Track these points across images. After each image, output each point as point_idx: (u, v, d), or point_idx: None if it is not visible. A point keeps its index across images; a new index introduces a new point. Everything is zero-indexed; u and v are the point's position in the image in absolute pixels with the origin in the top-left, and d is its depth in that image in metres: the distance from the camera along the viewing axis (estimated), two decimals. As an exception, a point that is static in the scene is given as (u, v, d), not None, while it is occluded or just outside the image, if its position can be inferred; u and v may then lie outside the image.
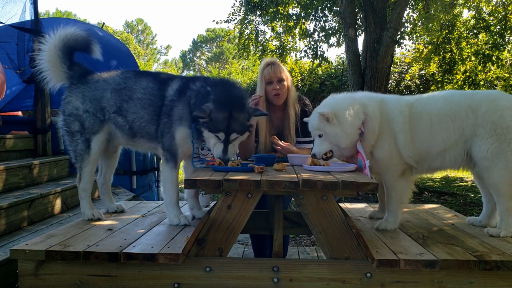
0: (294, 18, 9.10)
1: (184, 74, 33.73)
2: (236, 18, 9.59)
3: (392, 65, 8.01)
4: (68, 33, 2.60)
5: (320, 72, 10.90)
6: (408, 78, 10.35)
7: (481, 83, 8.56)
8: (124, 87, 2.55)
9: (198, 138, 2.40)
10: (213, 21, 19.05)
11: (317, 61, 9.06)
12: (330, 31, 8.98)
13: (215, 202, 2.51)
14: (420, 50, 9.36)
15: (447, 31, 7.82)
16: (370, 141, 2.44)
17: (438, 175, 9.03)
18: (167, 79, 2.57)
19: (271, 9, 8.95)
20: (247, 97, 2.52)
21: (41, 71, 2.65)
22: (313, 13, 8.93)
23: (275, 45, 9.66)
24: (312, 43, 9.11)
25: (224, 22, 9.72)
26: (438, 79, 9.03)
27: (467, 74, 8.43)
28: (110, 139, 2.65)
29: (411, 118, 2.42)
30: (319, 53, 9.01)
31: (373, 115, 2.41)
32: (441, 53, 8.08)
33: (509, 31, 7.77)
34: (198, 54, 38.84)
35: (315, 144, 2.47)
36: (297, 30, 9.31)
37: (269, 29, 9.51)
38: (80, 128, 2.56)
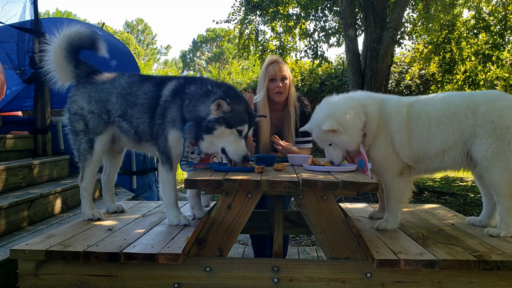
0: (294, 18, 9.11)
1: (184, 74, 33.74)
2: (236, 18, 9.60)
3: (392, 65, 8.02)
4: (72, 32, 2.60)
5: (320, 72, 10.91)
6: (408, 78, 10.35)
7: (481, 83, 8.57)
8: (129, 93, 2.54)
9: (193, 140, 2.35)
10: (213, 21, 19.05)
11: (317, 61, 9.06)
12: (330, 31, 8.99)
13: (215, 202, 2.51)
14: (420, 50, 9.37)
15: (447, 31, 7.82)
16: (368, 141, 2.46)
17: (438, 175, 9.03)
18: (164, 80, 2.56)
19: (271, 9, 8.96)
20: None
21: (48, 71, 2.65)
22: (313, 13, 8.94)
23: (275, 45, 9.67)
24: (312, 43, 9.12)
25: (224, 22, 9.74)
26: (438, 79, 9.03)
27: (467, 74, 8.43)
28: (114, 140, 2.65)
29: (409, 119, 2.42)
30: (319, 53, 9.02)
31: (372, 115, 2.42)
32: (441, 53, 8.08)
33: (509, 31, 7.78)
34: (198, 54, 38.82)
35: (328, 152, 2.48)
36: (297, 30, 9.31)
37: (269, 29, 9.52)
38: (84, 128, 2.56)
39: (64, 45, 2.59)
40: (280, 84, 3.06)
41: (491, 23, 7.88)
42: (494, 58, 7.93)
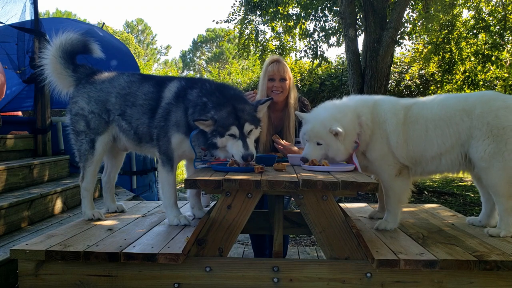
0: (294, 18, 9.11)
1: (184, 74, 33.71)
2: (236, 18, 9.60)
3: (392, 65, 8.02)
4: (62, 39, 2.65)
5: (320, 72, 10.89)
6: (408, 78, 10.34)
7: (481, 83, 8.56)
8: (129, 93, 2.54)
9: (203, 146, 2.36)
10: (213, 21, 18.98)
11: (317, 61, 9.06)
12: (330, 31, 8.99)
13: (215, 202, 2.51)
14: (420, 50, 9.37)
15: (446, 31, 7.82)
16: (362, 148, 2.49)
17: (438, 175, 9.01)
18: (164, 80, 2.57)
19: (271, 9, 8.96)
20: (244, 94, 2.54)
21: (50, 83, 2.72)
22: (313, 13, 8.94)
23: (275, 45, 9.66)
24: (312, 43, 9.12)
25: (224, 22, 9.74)
26: (438, 79, 9.03)
27: (467, 74, 8.43)
28: (115, 141, 2.65)
29: (406, 121, 2.44)
30: (319, 53, 9.02)
31: (365, 125, 2.45)
32: (440, 53, 8.08)
33: (508, 31, 7.77)
34: (198, 54, 38.80)
35: (309, 148, 2.46)
36: (297, 30, 9.31)
37: (269, 29, 9.53)
38: (85, 128, 2.57)
39: (58, 53, 2.65)
40: (279, 84, 3.08)
41: (491, 23, 7.88)
42: (493, 58, 7.92)
